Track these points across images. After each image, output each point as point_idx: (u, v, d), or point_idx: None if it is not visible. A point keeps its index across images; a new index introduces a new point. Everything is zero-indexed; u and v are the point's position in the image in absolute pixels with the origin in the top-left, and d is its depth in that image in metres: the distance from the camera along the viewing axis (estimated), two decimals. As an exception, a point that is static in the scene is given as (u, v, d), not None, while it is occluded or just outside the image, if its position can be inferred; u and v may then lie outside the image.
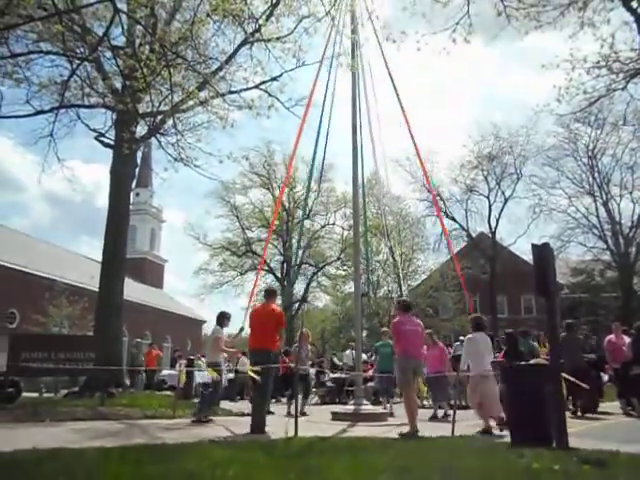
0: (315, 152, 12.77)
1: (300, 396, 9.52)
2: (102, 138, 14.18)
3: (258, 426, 7.06)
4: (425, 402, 11.75)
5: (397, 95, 12.15)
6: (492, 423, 7.29)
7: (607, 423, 8.70)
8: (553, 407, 5.58)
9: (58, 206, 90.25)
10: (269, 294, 8.07)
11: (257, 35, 13.04)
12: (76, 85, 12.48)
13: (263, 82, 14.34)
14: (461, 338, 14.92)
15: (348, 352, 16.12)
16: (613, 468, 4.13)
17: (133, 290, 27.64)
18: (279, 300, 38.60)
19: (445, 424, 7.87)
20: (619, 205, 33.16)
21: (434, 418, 9.60)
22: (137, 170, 16.09)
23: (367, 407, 9.60)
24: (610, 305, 31.47)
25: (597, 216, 33.32)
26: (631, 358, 9.96)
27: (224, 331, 9.22)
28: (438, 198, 36.04)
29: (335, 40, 11.67)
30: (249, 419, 7.39)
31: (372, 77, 12.15)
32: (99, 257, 15.20)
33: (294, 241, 38.52)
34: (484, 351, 7.55)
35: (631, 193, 32.46)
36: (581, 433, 6.69)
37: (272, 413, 9.49)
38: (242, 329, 9.67)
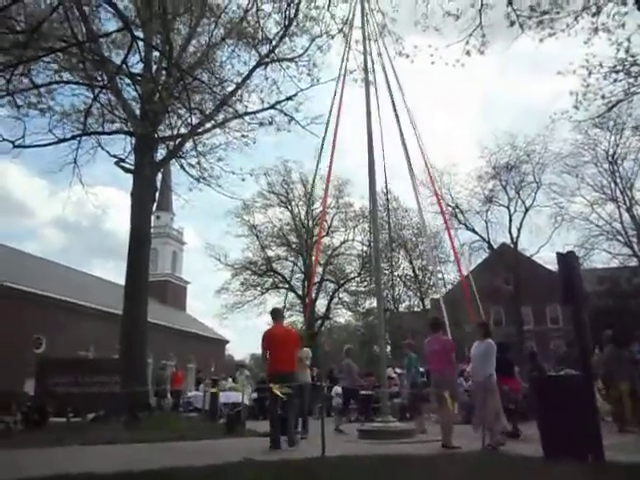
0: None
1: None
2: (122, 163, 14.43)
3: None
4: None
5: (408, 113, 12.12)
6: None
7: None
8: (587, 419, 5.43)
9: (67, 230, 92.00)
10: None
11: (272, 56, 13.28)
12: (97, 112, 12.79)
13: (278, 102, 14.54)
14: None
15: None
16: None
17: (156, 312, 27.79)
18: (301, 318, 38.65)
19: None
20: (644, 210, 32.56)
21: None
22: (157, 194, 16.28)
23: (394, 424, 9.45)
24: (638, 312, 30.66)
25: (621, 222, 32.73)
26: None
27: None
28: (457, 210, 35.84)
29: (348, 56, 11.79)
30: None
31: (390, 91, 12.15)
32: (117, 280, 15.37)
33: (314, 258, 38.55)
34: None
35: (655, 197, 31.91)
36: (613, 447, 6.44)
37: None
38: None
